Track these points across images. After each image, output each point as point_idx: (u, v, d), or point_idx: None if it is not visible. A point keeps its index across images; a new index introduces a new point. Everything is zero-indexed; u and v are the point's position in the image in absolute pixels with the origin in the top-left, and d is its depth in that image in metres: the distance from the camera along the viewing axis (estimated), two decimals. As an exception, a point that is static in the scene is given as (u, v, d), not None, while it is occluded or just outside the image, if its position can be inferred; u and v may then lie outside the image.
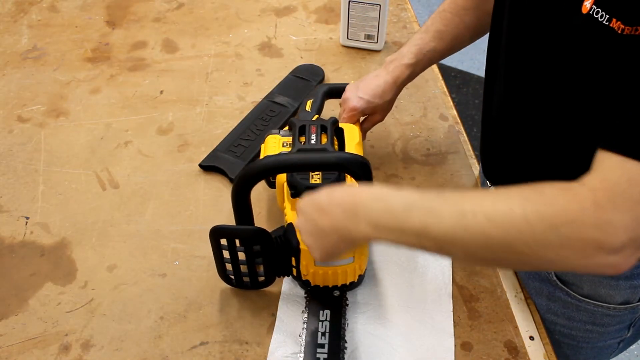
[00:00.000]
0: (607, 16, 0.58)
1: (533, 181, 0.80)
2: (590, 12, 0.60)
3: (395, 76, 0.96)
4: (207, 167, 1.04)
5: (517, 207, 0.56)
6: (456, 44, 0.96)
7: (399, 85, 0.97)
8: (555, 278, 0.86)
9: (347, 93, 0.98)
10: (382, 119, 1.00)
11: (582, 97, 0.67)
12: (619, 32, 0.58)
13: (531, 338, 0.83)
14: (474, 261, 0.65)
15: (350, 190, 0.68)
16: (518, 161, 0.81)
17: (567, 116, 0.70)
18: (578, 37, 0.63)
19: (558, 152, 0.74)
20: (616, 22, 0.58)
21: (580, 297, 0.84)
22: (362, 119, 0.99)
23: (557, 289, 0.87)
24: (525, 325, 0.84)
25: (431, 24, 0.96)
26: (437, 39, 0.95)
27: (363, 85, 0.97)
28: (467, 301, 0.86)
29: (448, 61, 2.74)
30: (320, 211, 0.67)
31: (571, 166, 0.73)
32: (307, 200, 0.70)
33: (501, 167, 0.87)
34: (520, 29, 0.73)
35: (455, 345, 0.81)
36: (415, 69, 0.97)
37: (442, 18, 0.95)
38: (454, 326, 0.83)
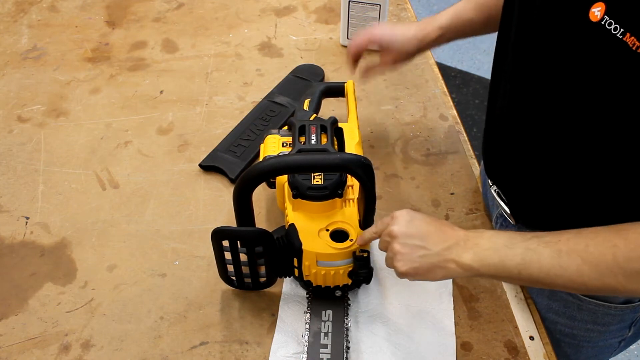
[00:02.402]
0: (622, 30, 0.57)
1: (535, 182, 0.79)
2: (602, 22, 0.59)
3: (425, 33, 0.93)
4: (207, 167, 1.04)
5: (608, 252, 0.62)
6: (492, 23, 0.92)
7: (425, 44, 0.94)
8: None
9: (376, 25, 0.98)
10: (392, 63, 0.96)
11: (585, 102, 0.66)
12: (633, 48, 0.57)
13: (531, 338, 0.83)
14: (570, 291, 0.73)
15: (459, 229, 0.72)
16: (520, 162, 0.81)
17: (570, 119, 0.70)
18: (585, 45, 0.62)
19: (560, 153, 0.73)
20: (630, 37, 0.57)
21: (581, 297, 0.84)
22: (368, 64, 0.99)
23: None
24: (525, 325, 0.84)
25: None
26: (477, 11, 0.92)
27: (393, 25, 0.96)
28: (467, 301, 0.86)
29: (448, 61, 2.74)
30: (428, 235, 0.71)
31: (573, 167, 0.73)
32: (408, 223, 0.72)
33: (503, 167, 0.86)
34: (527, 31, 0.72)
35: (455, 345, 0.81)
36: (446, 33, 0.94)
37: None
38: (454, 326, 0.83)
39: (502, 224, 0.92)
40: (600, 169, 0.70)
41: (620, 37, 0.58)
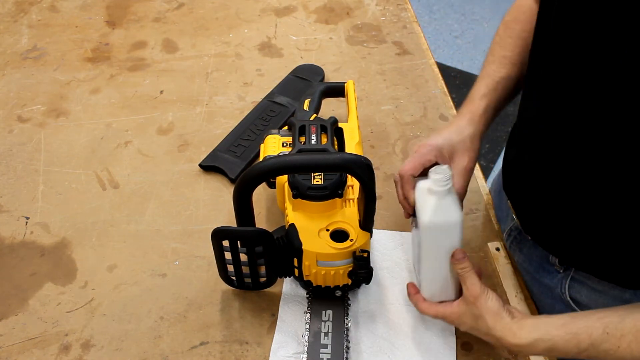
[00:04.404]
0: None
1: (553, 206, 0.77)
2: None
3: (471, 111, 0.83)
4: (207, 167, 1.04)
5: None
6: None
7: (477, 121, 0.83)
8: (569, 299, 0.85)
9: (421, 142, 0.85)
10: (469, 163, 0.81)
11: (615, 136, 0.64)
12: None
13: (531, 338, 0.83)
14: None
15: (510, 339, 0.72)
16: (541, 183, 0.79)
17: (597, 153, 0.67)
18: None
19: (583, 178, 0.71)
20: None
21: None
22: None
23: (570, 310, 0.86)
24: (526, 325, 0.84)
25: (492, 54, 0.87)
26: (504, 65, 0.85)
27: (439, 130, 0.84)
28: (468, 301, 0.86)
29: (448, 61, 2.74)
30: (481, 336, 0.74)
31: (596, 190, 0.70)
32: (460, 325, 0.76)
33: (523, 186, 0.84)
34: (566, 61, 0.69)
35: (455, 345, 0.81)
36: (491, 99, 0.84)
37: (502, 46, 0.86)
38: (454, 326, 0.83)
39: (515, 237, 0.91)
40: (623, 201, 0.68)
41: None
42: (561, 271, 0.85)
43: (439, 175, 0.70)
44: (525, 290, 0.88)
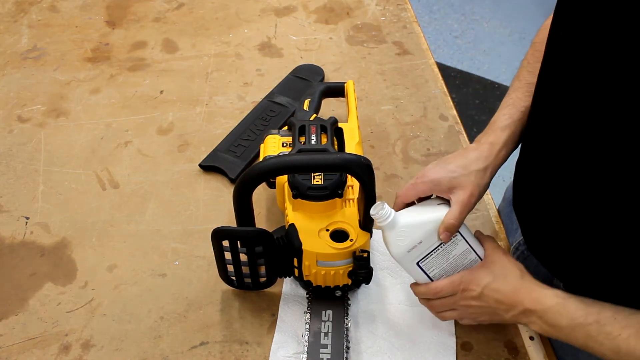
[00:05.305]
0: None
1: (560, 227, 0.76)
2: None
3: (490, 142, 0.78)
4: (207, 167, 1.04)
5: None
6: None
7: (495, 154, 0.78)
8: None
9: (429, 165, 0.79)
10: (469, 198, 0.75)
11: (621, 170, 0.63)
12: None
13: (531, 338, 0.83)
14: None
15: (528, 294, 0.72)
16: (546, 208, 0.77)
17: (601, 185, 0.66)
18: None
19: (588, 205, 0.70)
20: None
21: None
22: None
23: None
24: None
25: (518, 79, 0.84)
26: (532, 93, 0.79)
27: (450, 158, 0.79)
28: (468, 301, 0.86)
29: (448, 61, 2.74)
30: (501, 303, 0.73)
31: (602, 220, 0.69)
32: (491, 289, 0.74)
33: (529, 208, 0.83)
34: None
35: (455, 345, 0.81)
36: (513, 130, 0.79)
37: (530, 71, 0.82)
38: (454, 326, 0.83)
39: (522, 252, 0.91)
40: (629, 234, 0.66)
41: None
42: None
43: (373, 212, 0.73)
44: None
